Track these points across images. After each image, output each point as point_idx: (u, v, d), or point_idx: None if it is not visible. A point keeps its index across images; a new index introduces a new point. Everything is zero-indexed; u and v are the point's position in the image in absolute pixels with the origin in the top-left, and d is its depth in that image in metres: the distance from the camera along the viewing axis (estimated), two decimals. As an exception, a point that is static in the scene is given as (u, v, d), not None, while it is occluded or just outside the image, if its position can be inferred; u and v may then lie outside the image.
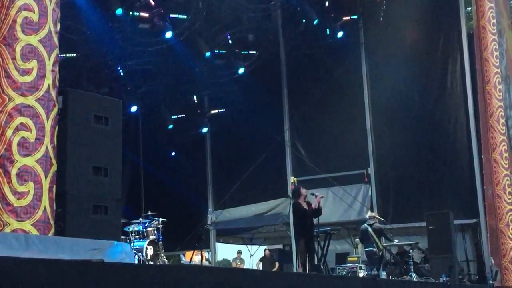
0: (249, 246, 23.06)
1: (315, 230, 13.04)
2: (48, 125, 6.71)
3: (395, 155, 19.03)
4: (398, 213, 18.58)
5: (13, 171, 6.43)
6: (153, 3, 16.44)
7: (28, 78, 6.62)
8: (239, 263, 20.51)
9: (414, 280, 13.76)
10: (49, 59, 6.79)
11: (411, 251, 15.03)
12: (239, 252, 21.05)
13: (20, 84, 6.59)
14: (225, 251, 22.02)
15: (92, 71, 17.80)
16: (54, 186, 6.78)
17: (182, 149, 21.79)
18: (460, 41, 18.55)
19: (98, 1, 15.84)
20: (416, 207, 17.96)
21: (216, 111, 21.35)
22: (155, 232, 14.17)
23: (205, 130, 21.56)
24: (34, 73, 6.66)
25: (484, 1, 16.87)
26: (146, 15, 16.42)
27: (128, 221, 14.42)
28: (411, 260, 14.74)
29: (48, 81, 6.75)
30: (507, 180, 16.22)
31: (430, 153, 18.64)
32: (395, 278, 14.37)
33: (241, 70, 19.43)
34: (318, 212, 12.77)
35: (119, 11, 15.76)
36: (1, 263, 4.29)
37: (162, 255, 14.05)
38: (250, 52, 19.70)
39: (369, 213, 16.44)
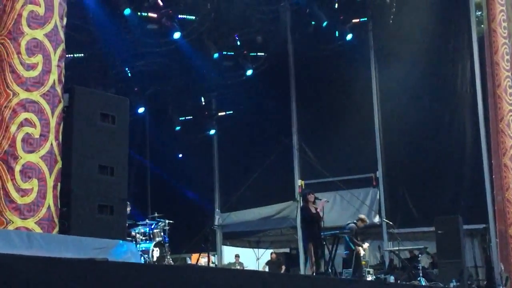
0: (256, 250, 22.92)
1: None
2: (53, 121, 6.60)
3: (403, 159, 18.88)
4: (406, 217, 18.41)
5: (17, 168, 6.31)
6: (161, 3, 16.37)
7: (33, 73, 6.50)
8: (238, 267, 20.35)
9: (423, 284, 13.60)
10: (54, 54, 6.67)
11: (420, 255, 14.88)
12: (237, 256, 20.87)
13: (25, 79, 6.47)
14: (231, 254, 21.86)
15: (99, 72, 17.76)
16: (59, 183, 6.65)
17: (189, 151, 21.70)
18: (470, 45, 18.41)
19: (106, 1, 15.78)
20: (424, 212, 17.80)
21: (224, 113, 21.27)
22: (162, 234, 14.07)
23: (212, 132, 21.49)
24: (39, 68, 6.53)
25: (495, 4, 16.71)
26: (155, 15, 16.37)
27: (135, 222, 14.31)
28: (420, 264, 14.57)
29: (53, 76, 6.63)
30: (517, 185, 16.03)
31: (439, 157, 18.48)
32: (404, 282, 14.21)
33: (249, 72, 19.36)
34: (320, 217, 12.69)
35: (127, 11, 15.72)
36: (3, 261, 4.19)
37: (168, 257, 13.95)
38: (258, 54, 19.63)
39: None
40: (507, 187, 15.93)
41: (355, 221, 15.13)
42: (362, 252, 14.47)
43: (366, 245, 15.17)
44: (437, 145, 18.53)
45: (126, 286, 4.90)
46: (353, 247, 14.22)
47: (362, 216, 15.69)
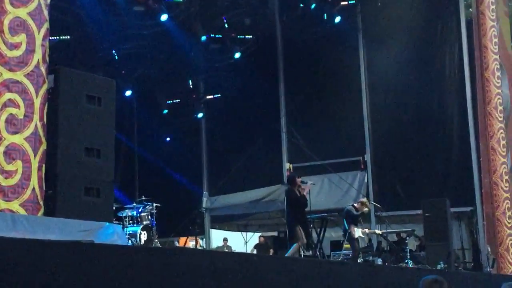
0: (244, 233, 22.90)
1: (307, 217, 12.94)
2: (37, 102, 6.49)
3: (391, 142, 18.92)
4: (394, 200, 18.47)
5: (1, 149, 6.20)
6: (148, -15, 16.23)
7: (17, 53, 6.38)
8: (226, 250, 20.30)
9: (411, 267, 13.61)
10: (38, 33, 6.54)
11: (407, 238, 14.90)
12: (225, 239, 20.85)
13: (8, 58, 6.34)
14: (219, 238, 21.83)
15: (86, 54, 17.58)
16: (44, 165, 6.56)
17: (177, 134, 21.62)
18: (458, 28, 18.39)
19: (92, -17, 15.62)
20: (412, 195, 17.84)
21: (212, 96, 21.20)
22: (149, 217, 14.00)
23: (200, 115, 21.41)
24: (23, 47, 6.41)
25: (483, -13, 16.65)
26: (141, -3, 16.22)
27: (122, 206, 14.25)
28: (407, 247, 14.60)
29: (37, 56, 6.51)
30: (504, 168, 16.05)
31: (427, 140, 18.52)
32: (392, 265, 14.23)
33: (237, 55, 19.29)
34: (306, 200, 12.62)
35: (114, -7, 15.57)
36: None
37: (155, 240, 13.89)
38: (246, 36, 19.53)
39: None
40: (494, 170, 15.95)
41: (354, 204, 15.08)
42: (356, 235, 14.41)
43: (362, 229, 15.04)
44: (425, 128, 18.56)
45: (113, 268, 4.85)
46: (347, 228, 14.23)
47: (364, 199, 15.59)
